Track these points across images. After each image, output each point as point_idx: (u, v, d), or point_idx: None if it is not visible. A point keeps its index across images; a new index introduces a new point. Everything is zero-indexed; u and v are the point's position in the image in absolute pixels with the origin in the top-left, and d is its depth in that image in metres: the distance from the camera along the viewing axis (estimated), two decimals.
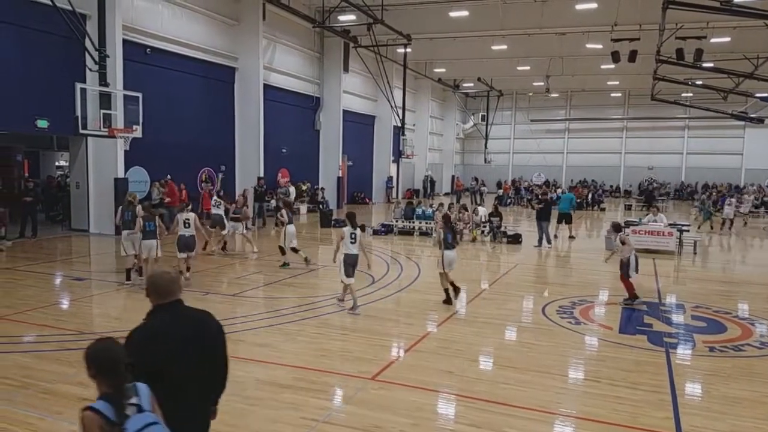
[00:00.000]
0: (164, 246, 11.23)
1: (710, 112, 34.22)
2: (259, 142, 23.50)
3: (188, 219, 11.10)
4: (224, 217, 14.61)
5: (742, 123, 37.51)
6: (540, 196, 19.69)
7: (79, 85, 14.73)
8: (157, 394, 2.69)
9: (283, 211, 12.93)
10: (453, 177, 45.93)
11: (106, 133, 15.33)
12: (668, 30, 21.03)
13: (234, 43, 22.87)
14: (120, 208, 11.47)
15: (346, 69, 30.00)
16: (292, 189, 24.74)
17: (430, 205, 21.07)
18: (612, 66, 27.55)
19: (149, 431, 2.47)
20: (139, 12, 18.59)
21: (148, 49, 18.92)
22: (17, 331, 7.93)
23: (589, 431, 5.31)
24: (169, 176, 18.74)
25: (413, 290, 11.09)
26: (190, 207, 11.71)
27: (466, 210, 19.24)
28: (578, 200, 32.30)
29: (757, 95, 28.63)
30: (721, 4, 16.05)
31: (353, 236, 9.27)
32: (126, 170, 17.56)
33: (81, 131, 14.94)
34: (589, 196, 34.22)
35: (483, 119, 49.42)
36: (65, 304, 9.79)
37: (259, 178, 21.96)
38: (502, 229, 18.56)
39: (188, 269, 11.23)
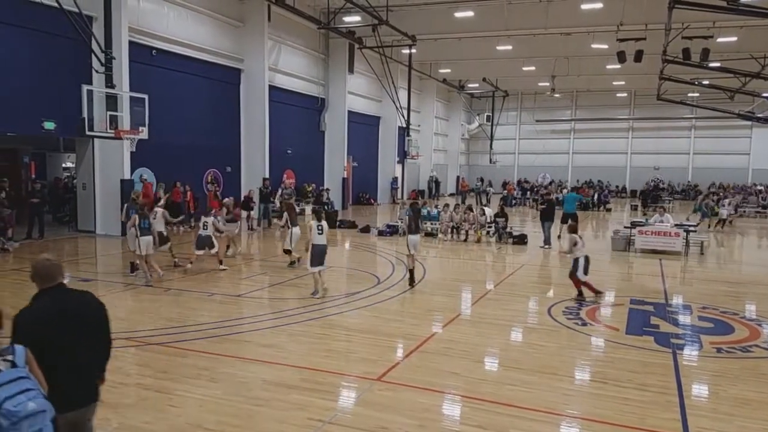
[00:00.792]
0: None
1: (717, 112, 34.06)
2: (265, 143, 23.55)
3: (206, 222, 12.51)
4: (212, 237, 13.15)
5: (749, 123, 37.35)
6: (543, 197, 19.65)
7: (85, 87, 14.80)
8: (47, 362, 3.12)
9: (284, 215, 12.95)
10: (458, 178, 45.91)
11: (113, 135, 15.40)
12: (674, 30, 20.92)
13: (239, 44, 22.94)
14: (126, 206, 12.04)
15: (351, 70, 30.00)
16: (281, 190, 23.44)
17: (435, 206, 21.06)
18: (618, 66, 27.45)
19: (18, 384, 2.82)
20: (145, 14, 18.66)
21: (153, 51, 18.99)
22: None
23: None
24: (144, 176, 18.19)
25: (418, 291, 11.07)
26: (213, 212, 13.28)
27: (471, 210, 19.23)
28: (585, 201, 32.33)
29: (764, 95, 28.52)
30: (728, 4, 15.96)
31: (320, 228, 10.16)
32: (132, 171, 17.63)
33: (87, 133, 15.02)
34: (595, 196, 34.13)
35: (488, 120, 49.37)
36: None
37: (264, 179, 22.01)
38: (508, 229, 18.52)
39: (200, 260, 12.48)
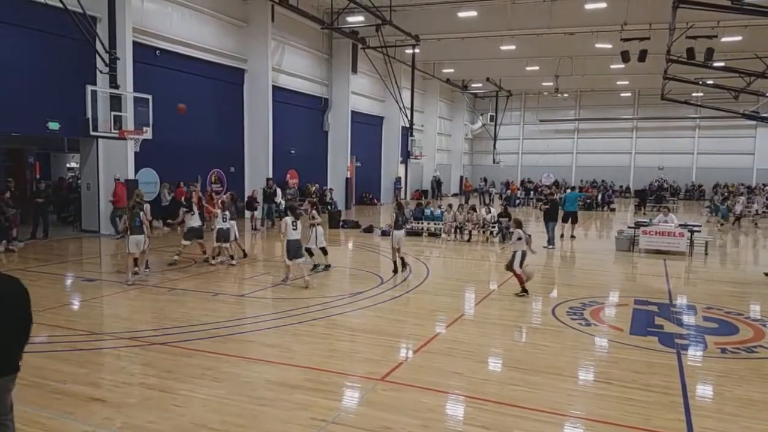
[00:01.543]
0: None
1: (721, 111, 33.90)
2: (268, 144, 23.58)
3: (226, 215, 13.09)
4: (230, 230, 13.43)
5: (753, 122, 37.21)
6: (547, 197, 19.63)
7: (89, 88, 14.86)
8: None
9: (313, 213, 12.78)
10: (461, 178, 45.86)
11: (117, 135, 15.44)
12: (678, 29, 20.87)
13: (243, 44, 22.97)
14: (126, 216, 12.04)
15: (354, 70, 30.02)
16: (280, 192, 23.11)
17: (439, 206, 21.06)
18: (622, 66, 27.39)
19: None
20: (149, 14, 18.71)
21: (157, 51, 19.04)
22: None
23: None
24: (118, 176, 17.66)
25: (422, 291, 11.07)
26: (233, 209, 13.58)
27: (475, 211, 19.21)
28: (588, 200, 32.26)
29: None
30: (732, 3, 15.90)
31: (294, 224, 10.90)
32: (136, 172, 17.67)
33: (92, 133, 15.08)
34: (599, 196, 34.06)
35: (492, 120, 49.31)
36: (76, 304, 9.86)
37: (267, 179, 22.03)
38: (511, 230, 18.45)
39: (222, 253, 13.19)
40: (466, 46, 31.58)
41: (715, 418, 5.57)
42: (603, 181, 44.89)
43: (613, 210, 32.33)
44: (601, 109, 46.93)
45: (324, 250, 12.72)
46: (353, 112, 30.35)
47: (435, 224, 19.26)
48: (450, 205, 20.15)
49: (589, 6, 24.20)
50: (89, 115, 14.73)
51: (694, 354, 7.56)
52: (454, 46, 32.01)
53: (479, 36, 29.77)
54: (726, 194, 32.16)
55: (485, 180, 40.20)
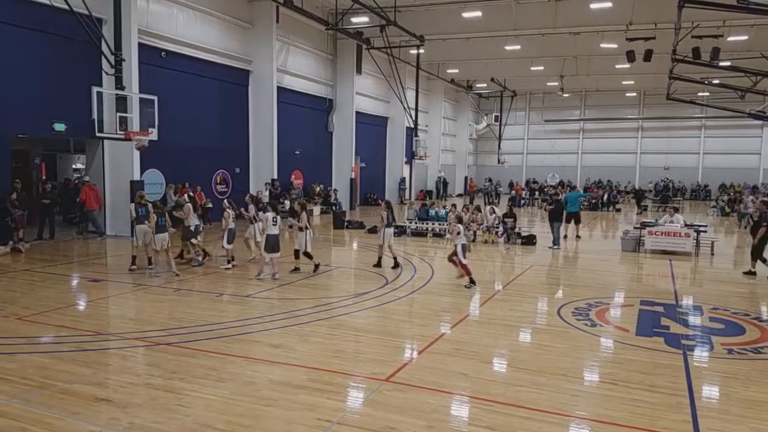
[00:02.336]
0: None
1: (727, 111, 33.81)
2: (273, 144, 23.63)
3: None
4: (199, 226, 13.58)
5: (759, 122, 37.02)
6: (552, 197, 19.59)
7: (95, 89, 14.89)
8: None
9: (303, 215, 12.69)
10: (466, 178, 45.81)
11: (123, 136, 15.49)
12: (684, 29, 20.81)
13: (248, 45, 23.02)
14: (133, 205, 12.89)
15: (358, 71, 30.05)
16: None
17: (443, 206, 21.03)
18: (627, 65, 27.36)
19: None
20: (155, 16, 18.77)
21: (163, 53, 19.10)
22: (35, 331, 8.03)
23: None
24: (87, 177, 17.58)
25: (427, 291, 11.07)
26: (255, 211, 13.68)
27: (479, 211, 19.18)
28: (593, 200, 32.17)
29: None
30: (738, 2, 15.84)
31: (275, 220, 11.64)
32: (142, 173, 17.73)
33: (98, 134, 15.12)
34: (605, 196, 33.96)
35: (496, 120, 49.22)
36: (82, 305, 9.90)
37: (273, 180, 22.06)
38: (516, 230, 18.46)
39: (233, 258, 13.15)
40: (470, 46, 31.55)
41: (722, 419, 5.54)
42: (609, 181, 44.73)
43: (618, 210, 32.24)
44: (607, 109, 46.79)
45: (308, 255, 12.48)
46: (358, 113, 30.37)
47: (440, 224, 19.24)
48: (454, 205, 20.12)
49: (594, 6, 24.13)
50: (95, 116, 14.77)
51: (700, 355, 7.53)
52: (458, 47, 31.98)
53: (484, 36, 29.74)
54: (732, 195, 32.00)
55: (490, 180, 40.13)
